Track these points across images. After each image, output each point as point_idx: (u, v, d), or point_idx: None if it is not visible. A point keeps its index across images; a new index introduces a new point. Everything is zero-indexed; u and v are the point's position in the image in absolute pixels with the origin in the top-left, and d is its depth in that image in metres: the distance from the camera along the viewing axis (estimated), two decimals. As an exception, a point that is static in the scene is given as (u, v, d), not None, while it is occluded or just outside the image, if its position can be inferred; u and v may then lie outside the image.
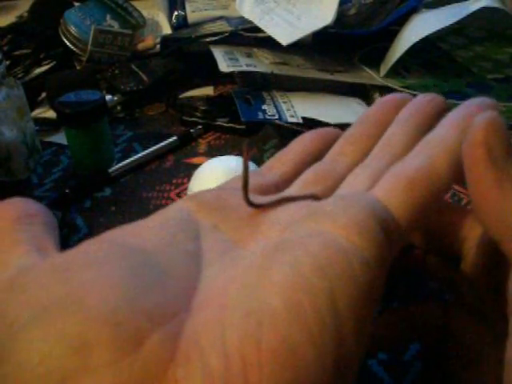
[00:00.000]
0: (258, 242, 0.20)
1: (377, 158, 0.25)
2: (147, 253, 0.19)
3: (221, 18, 0.77)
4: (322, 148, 0.29)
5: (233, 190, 0.24)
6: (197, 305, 0.17)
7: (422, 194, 0.21)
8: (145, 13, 0.83)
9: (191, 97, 0.69)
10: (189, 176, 0.47)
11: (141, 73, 0.70)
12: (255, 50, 0.70)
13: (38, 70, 0.74)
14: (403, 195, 0.21)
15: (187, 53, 0.77)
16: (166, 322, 0.16)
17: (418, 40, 0.60)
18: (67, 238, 0.47)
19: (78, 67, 0.75)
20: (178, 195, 0.52)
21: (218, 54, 0.66)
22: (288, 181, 0.27)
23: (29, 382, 0.15)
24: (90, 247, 0.20)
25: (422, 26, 0.62)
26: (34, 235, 0.21)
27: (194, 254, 0.20)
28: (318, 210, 0.20)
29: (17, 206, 0.22)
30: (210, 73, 0.66)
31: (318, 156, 0.28)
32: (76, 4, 0.81)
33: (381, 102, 0.28)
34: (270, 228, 0.21)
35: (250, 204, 0.22)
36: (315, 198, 0.23)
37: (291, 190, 0.25)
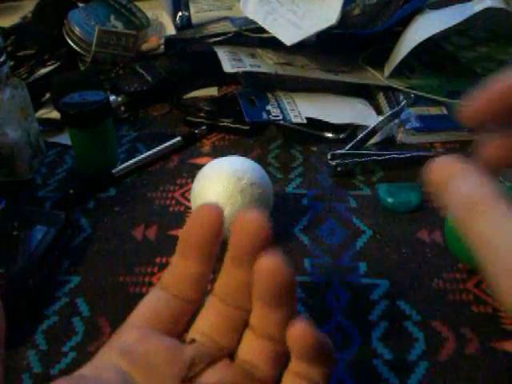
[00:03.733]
0: None
1: None
2: None
3: (225, 18, 0.77)
4: None
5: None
6: None
7: None
8: (149, 13, 0.84)
9: (195, 97, 0.69)
10: (193, 176, 0.47)
11: (145, 73, 0.70)
12: (259, 50, 0.70)
13: (42, 71, 0.74)
14: None
15: (191, 53, 0.77)
16: None
17: (422, 40, 0.60)
18: (71, 239, 0.47)
19: (82, 68, 0.75)
20: (183, 195, 0.52)
21: (222, 54, 0.66)
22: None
23: None
24: None
25: (425, 27, 0.62)
26: None
27: None
28: None
29: None
30: (214, 73, 0.66)
31: None
32: (80, 5, 0.81)
33: None
34: None
35: None
36: None
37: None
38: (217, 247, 0.30)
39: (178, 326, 0.30)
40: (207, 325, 0.29)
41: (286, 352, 0.28)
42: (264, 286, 0.27)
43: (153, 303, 0.30)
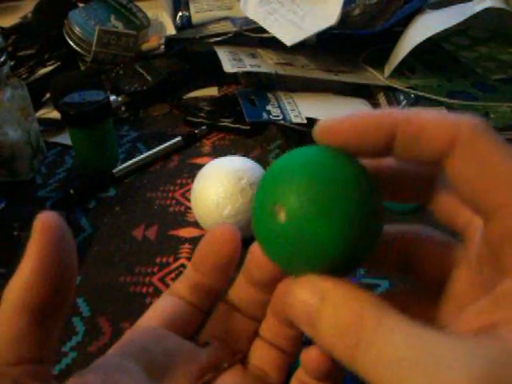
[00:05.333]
0: None
1: None
2: None
3: (225, 18, 0.77)
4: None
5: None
6: None
7: None
8: (149, 13, 0.84)
9: (195, 97, 0.69)
10: (193, 176, 0.47)
11: (145, 73, 0.70)
12: (259, 50, 0.70)
13: (43, 71, 0.74)
14: None
15: (191, 53, 0.77)
16: None
17: (422, 41, 0.60)
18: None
19: (82, 68, 0.75)
20: (183, 195, 0.52)
21: (223, 54, 0.66)
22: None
23: None
24: None
25: (426, 27, 0.62)
26: None
27: None
28: None
29: None
30: (215, 73, 0.66)
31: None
32: (80, 4, 0.81)
33: None
34: None
35: None
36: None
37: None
38: (233, 269, 0.30)
39: (189, 330, 0.30)
40: (220, 329, 0.29)
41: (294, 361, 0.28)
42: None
43: (165, 307, 0.29)
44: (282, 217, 0.21)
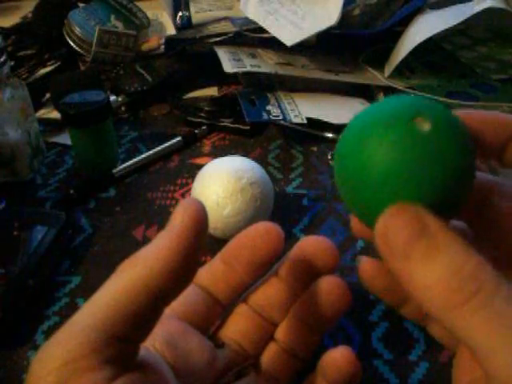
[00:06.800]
0: None
1: None
2: None
3: (225, 18, 0.77)
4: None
5: None
6: None
7: None
8: (149, 13, 0.84)
9: (195, 97, 0.69)
10: (193, 176, 0.47)
11: (145, 73, 0.70)
12: (259, 50, 0.70)
13: (43, 71, 0.74)
14: None
15: (191, 53, 0.77)
16: None
17: (422, 41, 0.60)
18: (71, 239, 0.47)
19: (82, 68, 0.75)
20: (183, 195, 0.52)
21: (223, 54, 0.66)
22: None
23: None
24: None
25: (426, 27, 0.62)
26: None
27: None
28: None
29: None
30: (215, 73, 0.66)
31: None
32: (80, 4, 0.81)
33: None
34: None
35: None
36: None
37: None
38: (268, 268, 0.30)
39: (209, 324, 0.30)
40: (237, 331, 0.30)
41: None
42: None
43: (189, 297, 0.29)
44: (427, 126, 0.21)
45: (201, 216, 0.22)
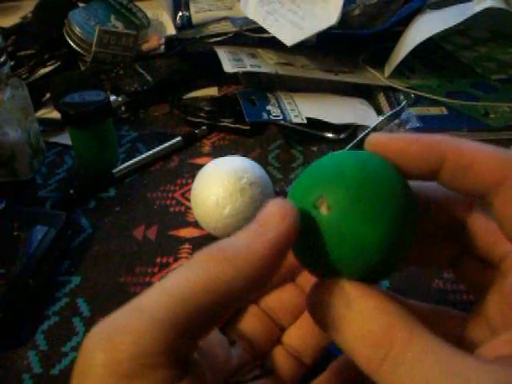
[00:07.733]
0: None
1: None
2: None
3: (225, 18, 0.77)
4: None
5: None
6: None
7: None
8: (149, 13, 0.84)
9: (196, 97, 0.69)
10: (193, 176, 0.47)
11: (145, 73, 0.70)
12: (259, 50, 0.70)
13: (43, 71, 0.74)
14: None
15: (191, 53, 0.77)
16: None
17: (422, 41, 0.60)
18: (71, 239, 0.47)
19: (82, 68, 0.75)
20: (183, 195, 0.52)
21: (223, 54, 0.66)
22: None
23: None
24: None
25: (426, 27, 0.62)
26: None
27: None
28: None
29: None
30: (215, 73, 0.66)
31: None
32: (80, 5, 0.81)
33: None
34: None
35: None
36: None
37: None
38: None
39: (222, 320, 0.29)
40: (248, 329, 0.30)
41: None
42: None
43: None
44: (326, 210, 0.21)
45: (296, 228, 0.21)
